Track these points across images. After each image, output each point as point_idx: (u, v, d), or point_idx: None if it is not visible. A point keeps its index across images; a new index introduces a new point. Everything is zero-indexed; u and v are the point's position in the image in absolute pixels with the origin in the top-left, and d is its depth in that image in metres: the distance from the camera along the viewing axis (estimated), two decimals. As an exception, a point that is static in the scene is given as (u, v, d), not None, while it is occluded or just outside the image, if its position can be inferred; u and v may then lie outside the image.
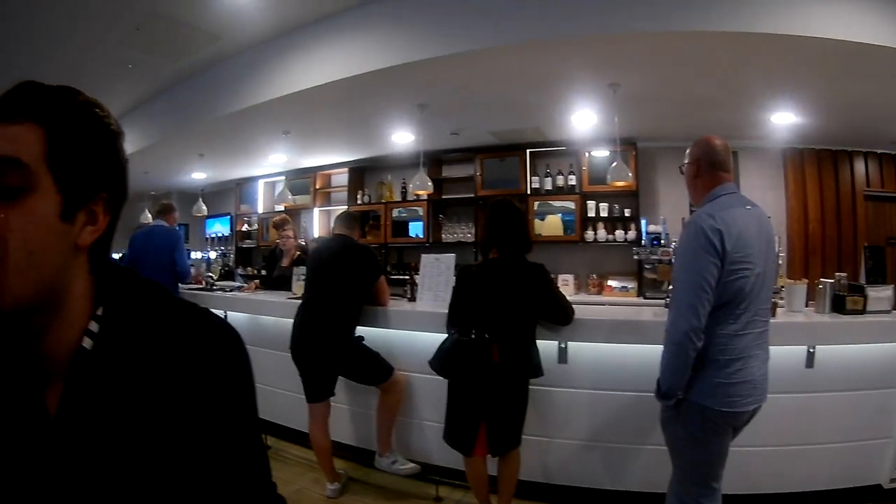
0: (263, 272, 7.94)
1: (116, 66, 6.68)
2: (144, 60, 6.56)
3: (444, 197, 8.99)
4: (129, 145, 8.67)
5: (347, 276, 4.36)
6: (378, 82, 5.46)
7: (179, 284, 6.36)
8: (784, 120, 6.38)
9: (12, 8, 5.29)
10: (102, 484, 0.82)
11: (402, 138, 7.83)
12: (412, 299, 5.20)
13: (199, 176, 10.58)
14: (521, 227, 3.67)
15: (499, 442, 3.53)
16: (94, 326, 0.87)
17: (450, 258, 4.81)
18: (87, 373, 0.85)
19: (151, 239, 6.28)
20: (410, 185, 8.57)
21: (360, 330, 4.40)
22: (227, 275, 9.97)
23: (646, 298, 6.90)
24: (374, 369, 4.35)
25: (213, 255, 12.33)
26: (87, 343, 0.85)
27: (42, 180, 0.79)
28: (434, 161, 8.75)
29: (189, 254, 7.06)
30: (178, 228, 6.89)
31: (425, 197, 8.72)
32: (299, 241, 7.28)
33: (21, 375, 0.88)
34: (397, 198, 9.68)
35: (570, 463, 4.03)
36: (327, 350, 4.15)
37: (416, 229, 9.43)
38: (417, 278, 5.12)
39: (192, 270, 7.12)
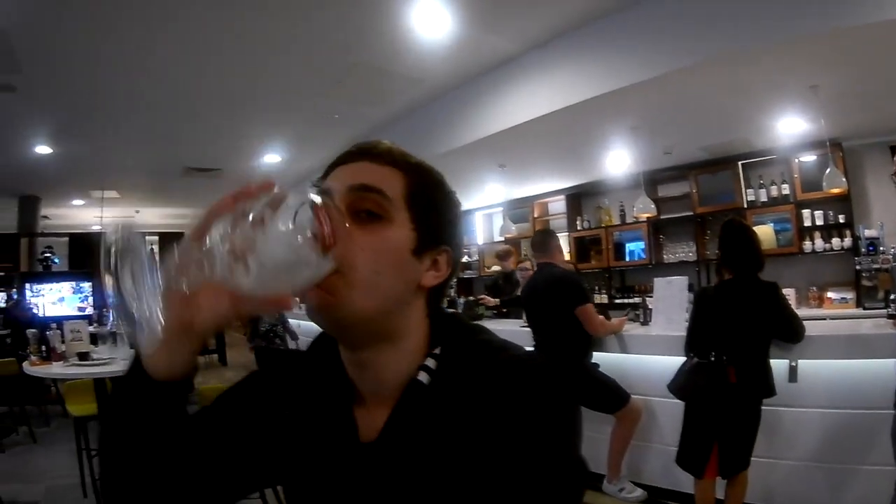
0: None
1: (322, 117, 7.50)
2: (351, 109, 7.22)
3: (662, 217, 9.02)
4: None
5: (553, 305, 4.58)
6: (590, 110, 5.64)
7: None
8: None
9: (235, 77, 6.22)
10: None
11: (616, 162, 8.00)
12: (645, 323, 5.28)
13: None
14: (751, 247, 3.72)
15: (730, 463, 3.62)
16: (431, 363, 0.94)
17: (682, 281, 4.89)
18: (418, 404, 0.91)
19: None
20: (634, 208, 8.51)
21: (597, 357, 4.58)
22: (450, 304, 10.62)
23: (865, 309, 6.63)
24: (609, 396, 4.48)
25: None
26: (423, 377, 0.93)
27: (400, 214, 0.91)
28: (649, 181, 8.79)
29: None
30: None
31: (644, 218, 8.79)
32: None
33: (335, 398, 0.99)
34: (616, 221, 9.86)
35: (794, 484, 3.99)
36: None
37: (636, 251, 9.56)
38: (650, 301, 5.23)
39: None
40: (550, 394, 0.89)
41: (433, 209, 0.97)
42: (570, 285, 4.68)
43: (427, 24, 5.26)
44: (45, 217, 13.22)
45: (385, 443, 0.92)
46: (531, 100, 5.89)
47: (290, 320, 8.54)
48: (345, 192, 0.90)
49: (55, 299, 10.36)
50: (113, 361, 4.95)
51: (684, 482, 4.04)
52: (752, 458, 3.67)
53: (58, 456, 6.48)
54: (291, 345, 8.64)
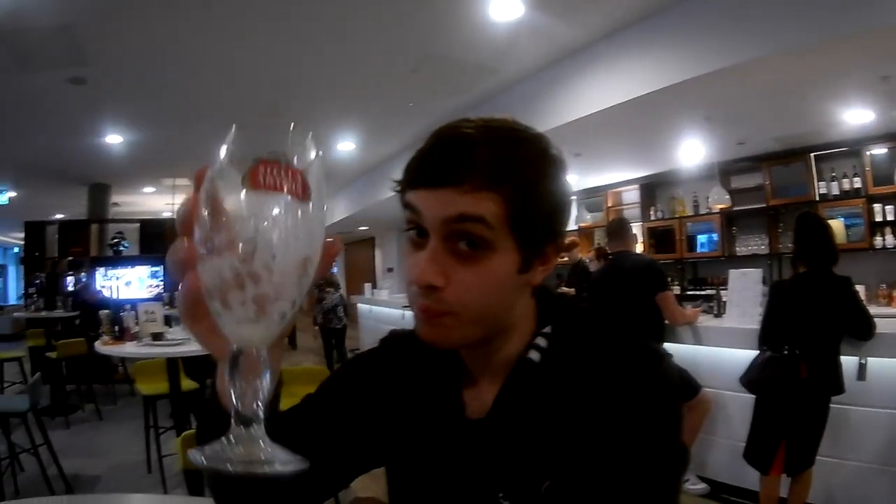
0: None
1: (396, 106, 7.59)
2: (424, 98, 7.29)
3: (735, 208, 8.89)
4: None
5: (634, 291, 4.58)
6: (664, 99, 5.62)
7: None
8: None
9: (314, 62, 6.30)
10: (516, 482, 0.90)
11: (690, 152, 7.96)
12: (718, 315, 5.27)
13: None
14: (827, 241, 3.70)
15: (796, 461, 3.61)
16: (541, 342, 0.95)
17: (757, 273, 4.85)
18: (528, 382, 0.93)
19: None
20: (708, 198, 8.70)
21: (669, 347, 4.52)
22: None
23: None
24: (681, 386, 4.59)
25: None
26: (534, 356, 0.94)
27: (503, 240, 0.85)
28: (722, 172, 8.69)
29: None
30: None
31: (717, 210, 8.79)
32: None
33: (443, 377, 1.01)
34: (689, 212, 9.82)
35: (857, 487, 3.93)
36: None
37: (708, 243, 9.48)
38: (724, 293, 5.25)
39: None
40: (658, 379, 0.90)
41: (540, 218, 0.89)
42: (653, 272, 4.70)
43: (501, 13, 5.27)
44: (116, 204, 13.63)
45: (494, 419, 0.94)
46: (605, 89, 5.87)
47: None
48: (440, 226, 0.85)
49: (125, 283, 10.68)
50: (186, 342, 5.07)
51: (748, 478, 4.01)
52: (817, 457, 3.64)
53: (123, 433, 6.71)
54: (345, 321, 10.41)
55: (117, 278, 10.75)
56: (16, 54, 5.76)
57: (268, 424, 0.69)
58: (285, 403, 3.96)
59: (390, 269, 18.40)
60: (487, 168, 0.84)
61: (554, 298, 1.01)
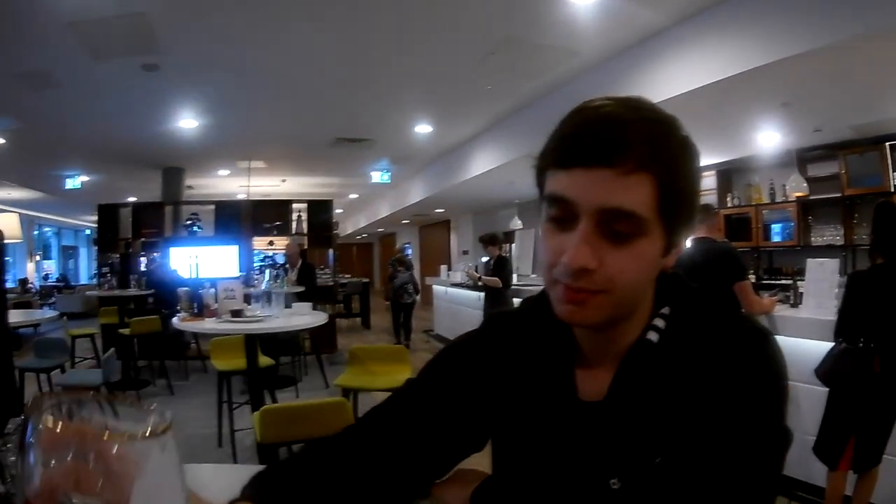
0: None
1: (474, 88, 7.62)
2: (503, 81, 7.31)
3: (811, 197, 8.70)
4: (492, 159, 9.76)
5: (712, 279, 4.54)
6: (742, 84, 5.53)
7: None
8: None
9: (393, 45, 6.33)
10: (629, 464, 0.91)
11: (766, 139, 7.87)
12: (795, 305, 5.22)
13: None
14: None
15: (864, 457, 3.54)
16: (659, 323, 0.97)
17: (833, 263, 4.78)
18: (646, 364, 0.94)
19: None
20: (786, 186, 8.57)
21: None
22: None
23: None
24: None
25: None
26: (652, 336, 0.96)
27: (654, 227, 0.87)
28: (799, 160, 8.59)
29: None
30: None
31: (794, 198, 8.68)
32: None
33: (555, 358, 1.02)
34: (766, 199, 9.68)
35: None
36: None
37: (783, 232, 9.39)
38: (800, 283, 5.18)
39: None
40: (768, 359, 0.91)
41: (684, 204, 0.91)
42: (732, 259, 4.71)
43: None
44: (189, 187, 13.99)
45: (611, 401, 0.95)
46: (683, 73, 5.84)
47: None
48: (593, 212, 0.86)
49: (199, 262, 10.99)
50: (266, 319, 5.22)
51: (816, 474, 3.96)
52: (884, 456, 3.59)
53: (194, 408, 6.92)
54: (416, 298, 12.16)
55: (197, 256, 11.06)
56: (89, 43, 5.92)
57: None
58: (366, 381, 4.15)
59: (465, 252, 18.48)
60: (641, 149, 0.85)
61: (669, 279, 1.02)
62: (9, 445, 0.91)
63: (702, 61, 5.62)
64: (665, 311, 0.98)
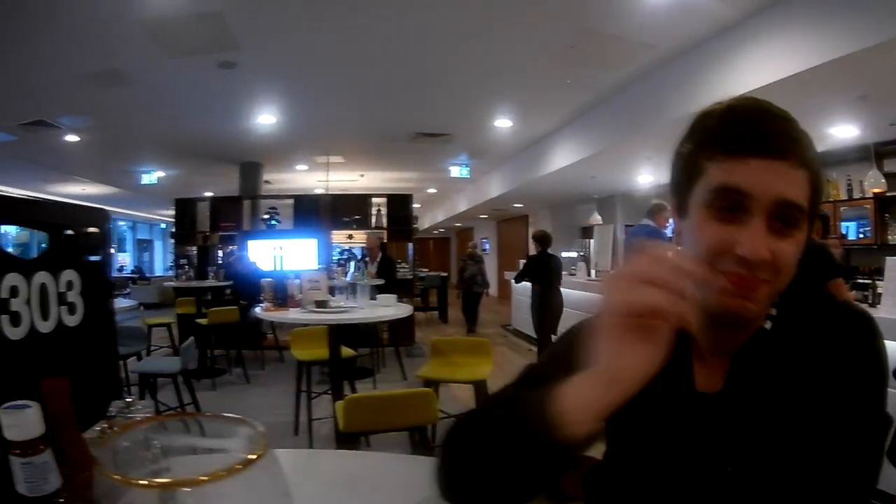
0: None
1: (552, 82, 7.64)
2: (581, 74, 7.31)
3: (889, 194, 8.52)
4: (572, 154, 9.76)
5: (804, 276, 4.63)
6: (821, 76, 5.41)
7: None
8: None
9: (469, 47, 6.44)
10: (746, 453, 0.93)
11: (842, 133, 7.72)
12: (873, 304, 5.18)
13: (645, 179, 11.25)
14: None
15: None
16: (772, 311, 1.00)
17: None
18: (760, 351, 0.98)
19: (637, 238, 6.87)
20: (863, 182, 8.37)
21: None
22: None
23: None
24: None
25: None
26: (766, 324, 0.99)
27: (805, 219, 0.94)
28: (875, 155, 8.42)
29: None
30: (666, 230, 7.16)
31: (871, 195, 8.51)
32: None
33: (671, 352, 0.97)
34: (843, 196, 9.48)
35: None
36: None
37: (859, 229, 9.24)
38: (879, 283, 5.14)
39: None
40: (879, 349, 0.96)
41: (820, 201, 0.99)
42: (828, 258, 4.68)
43: None
44: (267, 181, 14.32)
45: (729, 391, 0.98)
46: (759, 67, 5.74)
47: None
48: (769, 204, 0.90)
49: (277, 255, 11.23)
50: (350, 310, 5.36)
51: (888, 479, 3.86)
52: None
53: (269, 396, 7.14)
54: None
55: (280, 248, 11.31)
56: (166, 41, 6.11)
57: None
58: (448, 373, 4.15)
59: (543, 246, 18.47)
60: (802, 145, 0.94)
61: None
62: (115, 429, 0.94)
63: (777, 54, 5.53)
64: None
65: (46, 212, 1.24)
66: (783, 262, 0.92)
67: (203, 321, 8.38)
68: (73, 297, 1.20)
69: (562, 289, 8.95)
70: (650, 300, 0.76)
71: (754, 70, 5.75)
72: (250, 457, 0.54)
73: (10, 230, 13.87)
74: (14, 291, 1.03)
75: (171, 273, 17.15)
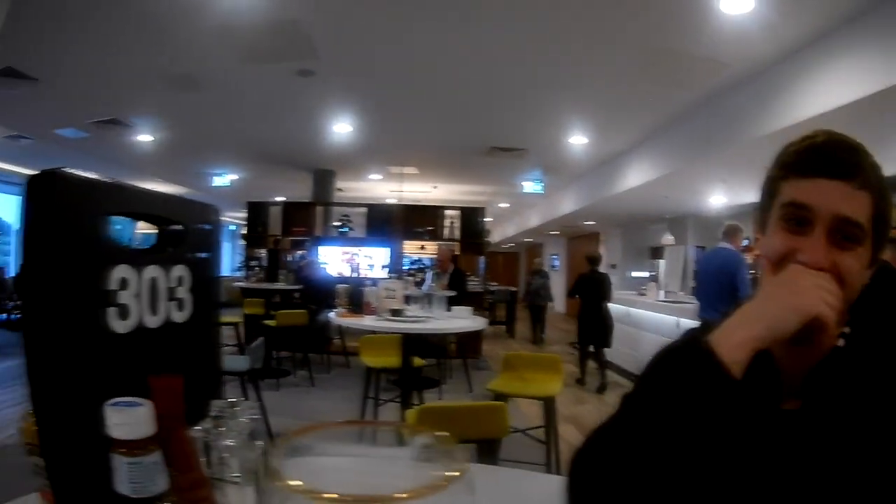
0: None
1: (627, 100, 7.68)
2: (656, 93, 7.33)
3: None
4: (647, 173, 9.74)
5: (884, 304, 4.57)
6: (891, 99, 5.27)
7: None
8: None
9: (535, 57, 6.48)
10: (840, 470, 0.92)
11: None
12: None
13: (717, 200, 11.03)
14: None
15: None
16: (846, 329, 1.04)
17: None
18: (835, 368, 1.00)
19: (713, 261, 6.76)
20: None
21: None
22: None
23: None
24: None
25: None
26: (840, 342, 1.02)
27: (867, 239, 1.02)
28: None
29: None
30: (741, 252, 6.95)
31: None
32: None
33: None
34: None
35: None
36: None
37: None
38: None
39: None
40: None
41: (886, 224, 1.05)
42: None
43: (731, 6, 5.16)
44: (339, 189, 14.50)
45: (807, 409, 1.00)
46: (831, 88, 5.66)
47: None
48: (831, 219, 0.99)
49: (358, 262, 11.46)
50: (425, 320, 5.43)
51: None
52: None
53: (332, 400, 7.29)
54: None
55: (356, 255, 11.55)
56: (245, 48, 6.24)
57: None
58: (518, 388, 4.22)
59: (613, 266, 18.13)
60: (868, 171, 1.03)
61: None
62: (220, 429, 0.97)
63: (849, 75, 5.45)
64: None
65: (162, 205, 1.20)
66: (845, 272, 0.99)
67: (271, 322, 8.50)
68: (183, 292, 1.17)
69: (632, 309, 9.16)
70: (822, 297, 0.92)
71: (826, 92, 5.71)
72: (452, 474, 0.52)
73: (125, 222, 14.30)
74: (123, 284, 1.01)
75: (237, 273, 17.45)
